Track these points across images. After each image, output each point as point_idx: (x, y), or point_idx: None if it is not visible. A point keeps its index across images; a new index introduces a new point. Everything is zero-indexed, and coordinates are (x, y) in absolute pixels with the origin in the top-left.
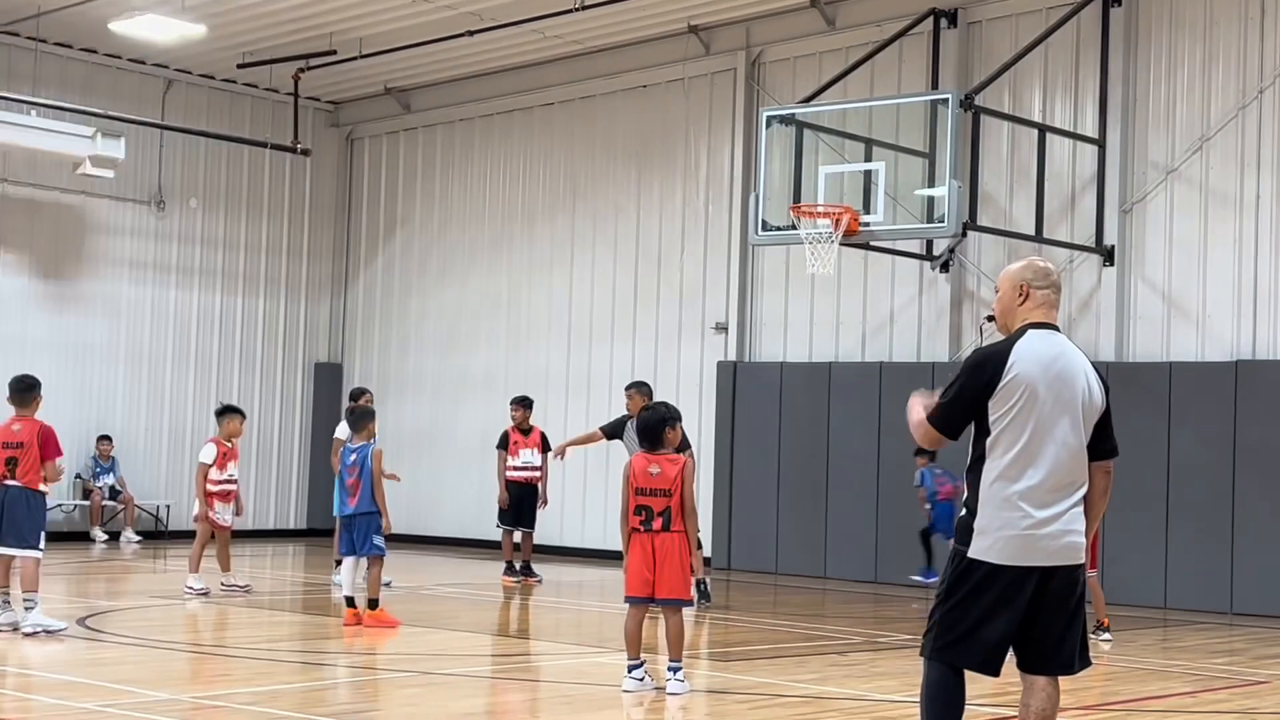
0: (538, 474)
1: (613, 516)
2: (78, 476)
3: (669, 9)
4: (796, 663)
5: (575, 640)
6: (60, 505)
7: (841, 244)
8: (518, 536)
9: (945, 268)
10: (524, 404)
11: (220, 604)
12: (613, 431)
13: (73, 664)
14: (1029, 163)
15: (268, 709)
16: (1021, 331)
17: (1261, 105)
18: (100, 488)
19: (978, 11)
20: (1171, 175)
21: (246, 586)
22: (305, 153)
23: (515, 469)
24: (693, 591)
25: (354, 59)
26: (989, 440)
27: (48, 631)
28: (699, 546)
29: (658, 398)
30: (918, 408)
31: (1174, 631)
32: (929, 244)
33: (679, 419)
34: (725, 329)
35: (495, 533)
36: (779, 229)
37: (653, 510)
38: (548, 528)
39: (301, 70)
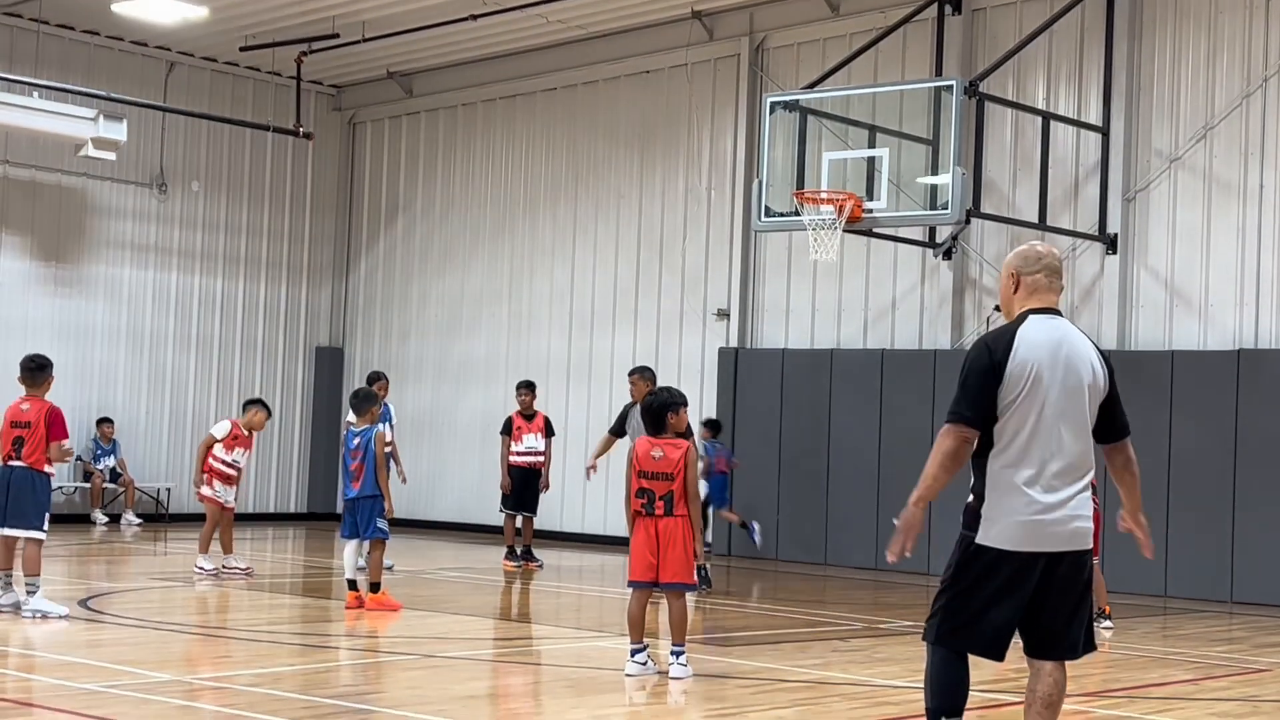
0: (541, 459)
1: (614, 503)
2: (78, 459)
3: None
4: (798, 648)
5: (576, 624)
6: (61, 488)
7: (844, 230)
8: (519, 521)
9: (948, 255)
10: (530, 388)
11: (221, 586)
12: (619, 427)
13: (74, 645)
14: (1032, 150)
15: (270, 690)
16: (1022, 318)
17: (1266, 94)
18: (101, 470)
19: None
20: (1175, 164)
21: (248, 569)
22: (307, 136)
23: (518, 454)
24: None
25: (357, 42)
26: (995, 426)
27: (47, 617)
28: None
29: (661, 383)
30: (933, 461)
31: (1174, 619)
32: (932, 231)
33: (684, 404)
34: (727, 315)
35: (495, 517)
36: (782, 215)
37: (655, 494)
38: (548, 513)
39: (304, 54)
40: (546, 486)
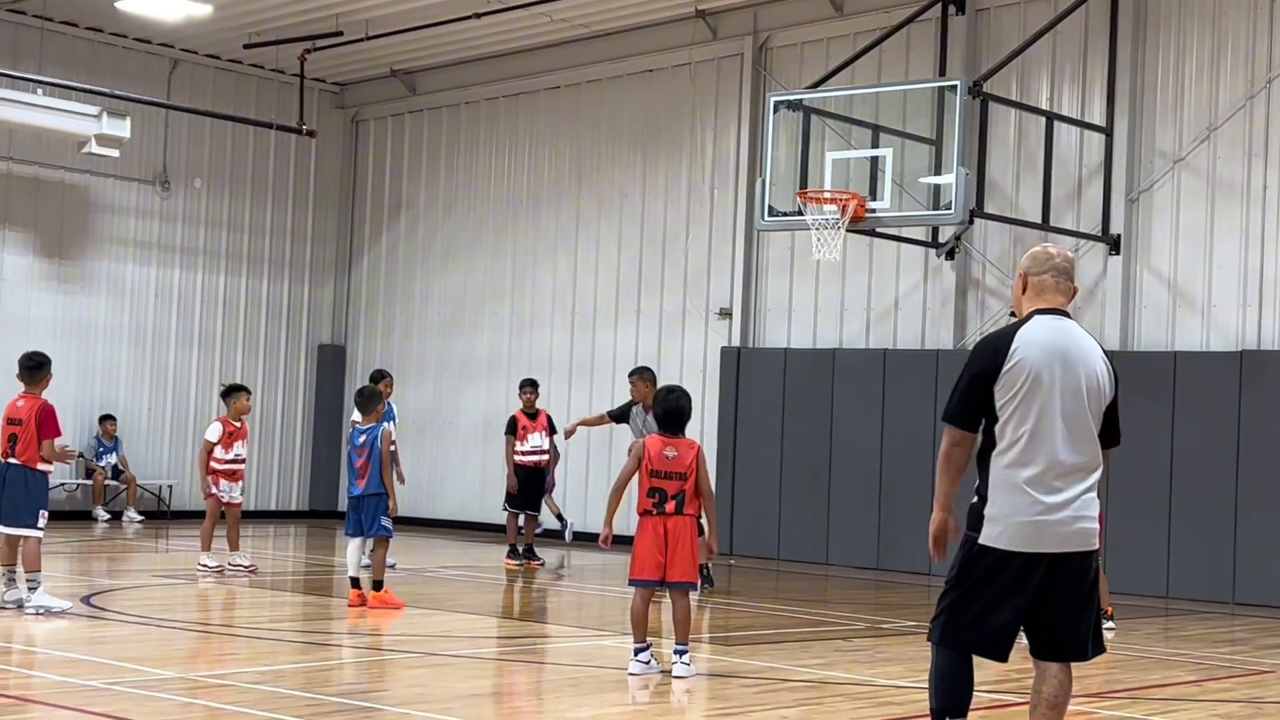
0: (545, 457)
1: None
2: (80, 455)
3: None
4: (800, 648)
5: (578, 623)
6: (63, 484)
7: (847, 230)
8: (521, 520)
9: (951, 255)
10: (533, 387)
11: (224, 584)
12: (619, 416)
13: (76, 642)
14: (1036, 151)
15: (273, 688)
16: (1028, 318)
17: (1270, 95)
18: (103, 467)
19: None
20: (1179, 164)
21: (252, 567)
22: (310, 134)
23: (523, 453)
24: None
25: (360, 40)
26: (997, 426)
27: (50, 612)
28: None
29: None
30: (938, 467)
31: (1176, 620)
32: (935, 231)
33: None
34: (729, 314)
35: (497, 515)
36: (785, 215)
37: (666, 493)
38: (550, 512)
39: (308, 51)
40: (554, 486)
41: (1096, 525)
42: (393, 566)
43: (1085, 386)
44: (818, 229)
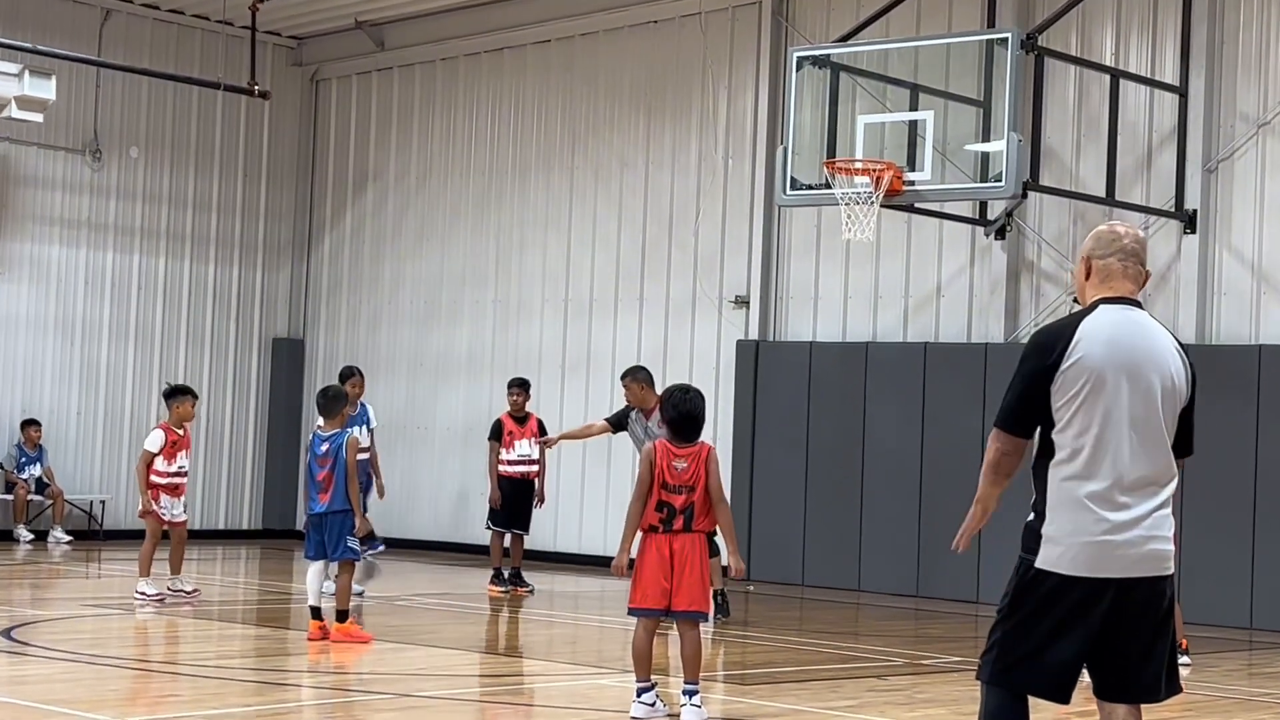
0: (535, 468)
1: (614, 518)
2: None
3: None
4: (828, 687)
5: (572, 659)
6: None
7: (882, 206)
8: (508, 540)
9: (1001, 234)
10: (523, 387)
11: (165, 614)
12: (618, 423)
13: None
14: (1099, 114)
15: None
16: (1092, 308)
17: None
18: (25, 480)
19: None
20: (1263, 129)
21: (195, 591)
22: (263, 95)
23: (509, 463)
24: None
25: None
26: (1055, 433)
27: None
28: (716, 553)
29: (670, 381)
30: (982, 472)
31: (1261, 655)
32: (983, 206)
33: None
34: (746, 303)
35: (479, 535)
36: (810, 188)
37: (675, 508)
38: (540, 531)
39: (260, 0)
40: (542, 500)
41: (1171, 546)
42: (360, 594)
43: (1159, 387)
44: (848, 204)
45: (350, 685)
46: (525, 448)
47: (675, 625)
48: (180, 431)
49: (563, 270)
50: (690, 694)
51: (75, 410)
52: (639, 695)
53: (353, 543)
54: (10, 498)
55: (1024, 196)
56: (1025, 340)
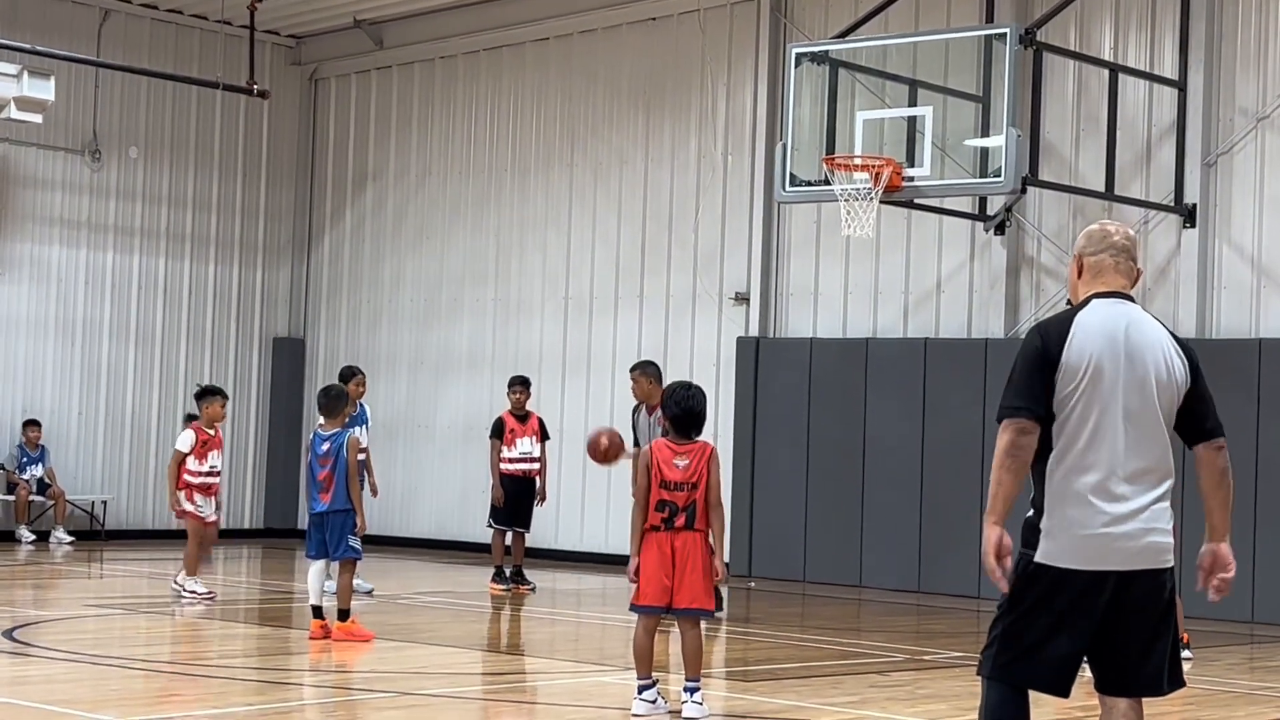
0: (536, 466)
1: (615, 516)
2: (1, 468)
3: None
4: (830, 683)
5: (574, 657)
6: None
7: (881, 202)
8: (509, 538)
9: (1001, 229)
10: (524, 385)
11: (163, 615)
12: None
13: None
14: (1098, 109)
15: None
16: (1085, 303)
17: None
18: (27, 480)
19: None
20: (1263, 123)
21: (211, 594)
22: (262, 95)
23: (511, 461)
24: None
25: None
26: (1053, 426)
27: None
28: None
29: (670, 379)
30: (994, 464)
31: (1263, 649)
32: (982, 202)
33: None
34: (746, 300)
35: (479, 533)
36: (809, 184)
37: (676, 506)
38: (542, 529)
39: None
40: (544, 498)
41: (1170, 539)
42: (370, 592)
43: (1154, 380)
44: (847, 200)
45: (352, 684)
46: (526, 445)
47: (677, 623)
48: (211, 431)
49: (563, 268)
50: (691, 691)
51: (76, 411)
52: (640, 692)
53: (354, 541)
54: (12, 498)
55: (1023, 192)
56: (1024, 336)
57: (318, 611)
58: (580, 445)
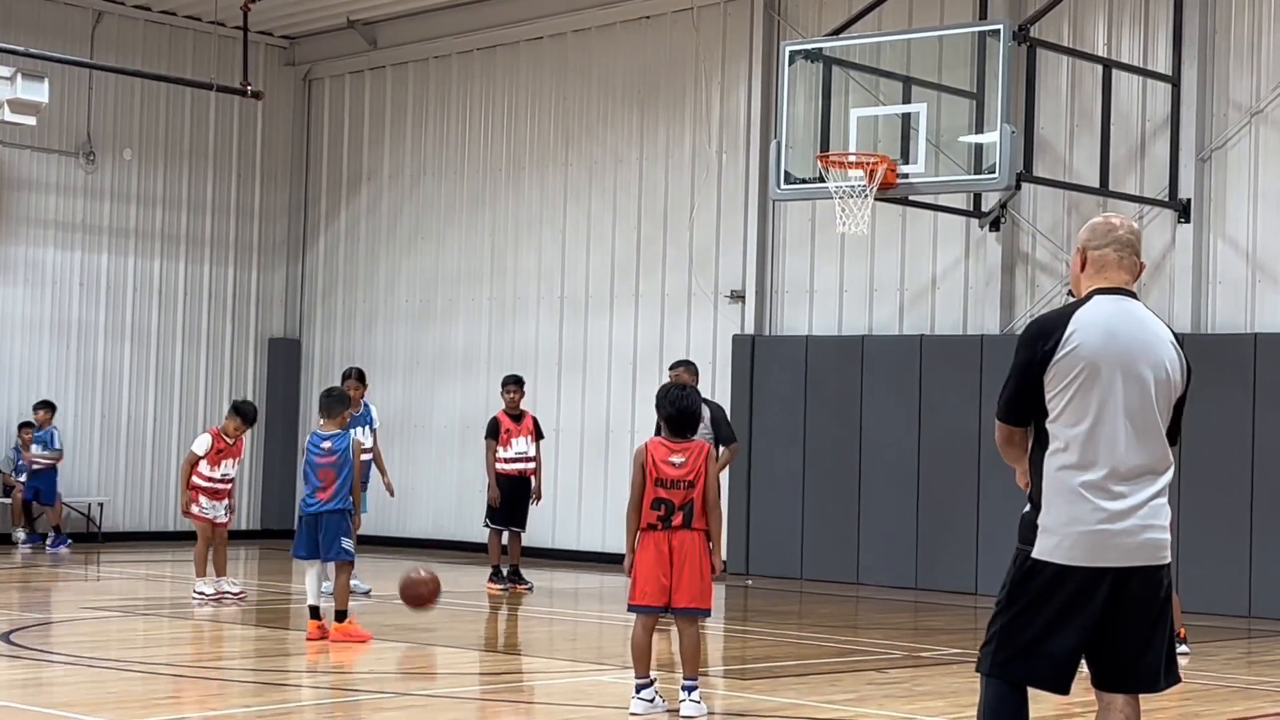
0: (531, 466)
1: (612, 515)
2: None
3: None
4: (828, 680)
5: (572, 656)
6: None
7: (876, 199)
8: (505, 538)
9: (996, 226)
10: (518, 384)
11: (165, 616)
12: None
13: None
14: (1092, 104)
15: None
16: (1087, 298)
17: None
18: (22, 483)
19: None
20: (1256, 118)
21: (241, 593)
22: (256, 95)
23: (507, 461)
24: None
25: None
26: (1049, 423)
27: None
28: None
29: (665, 378)
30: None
31: (1260, 644)
32: (977, 198)
33: None
34: (742, 297)
35: (476, 533)
36: (804, 182)
37: (674, 505)
38: (539, 528)
39: (251, 0)
40: (539, 498)
41: (1168, 535)
42: (367, 594)
43: (1153, 378)
44: (842, 198)
45: (350, 684)
46: (522, 445)
47: (675, 622)
48: (230, 440)
49: (558, 267)
50: (689, 689)
51: (72, 413)
52: (638, 691)
53: (347, 544)
54: (8, 501)
55: (1018, 188)
56: (1021, 331)
57: (315, 612)
58: (580, 445)
